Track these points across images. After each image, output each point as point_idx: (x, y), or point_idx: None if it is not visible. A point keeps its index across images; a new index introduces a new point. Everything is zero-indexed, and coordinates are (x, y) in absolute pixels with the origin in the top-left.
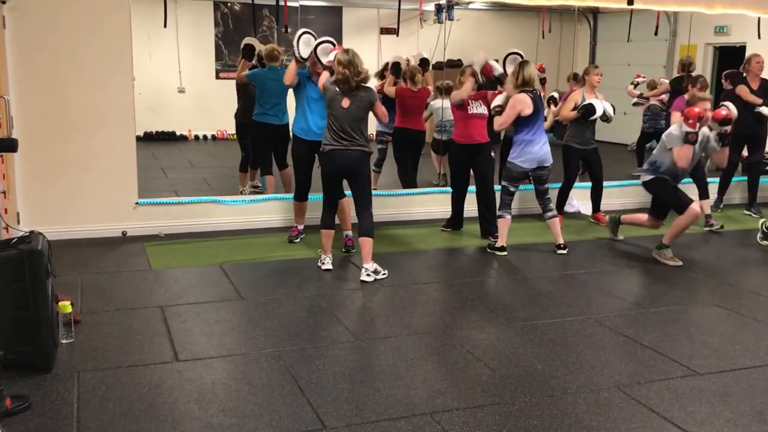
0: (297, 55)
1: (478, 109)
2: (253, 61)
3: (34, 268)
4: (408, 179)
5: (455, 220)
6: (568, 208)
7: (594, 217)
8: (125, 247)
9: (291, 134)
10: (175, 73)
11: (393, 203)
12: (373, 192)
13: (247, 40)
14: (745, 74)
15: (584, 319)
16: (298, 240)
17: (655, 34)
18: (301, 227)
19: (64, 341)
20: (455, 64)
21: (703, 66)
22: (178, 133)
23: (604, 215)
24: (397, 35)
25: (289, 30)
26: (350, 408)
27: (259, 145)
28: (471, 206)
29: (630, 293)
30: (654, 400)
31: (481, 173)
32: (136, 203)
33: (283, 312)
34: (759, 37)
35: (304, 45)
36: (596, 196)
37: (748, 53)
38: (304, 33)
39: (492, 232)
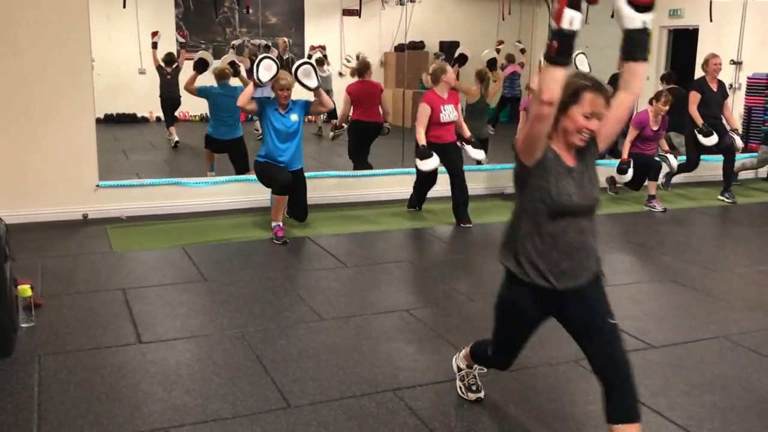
0: (256, 78)
1: (450, 115)
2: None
3: None
4: (363, 168)
5: (419, 200)
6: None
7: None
8: (86, 230)
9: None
10: (135, 54)
11: (355, 184)
12: (336, 174)
13: (201, 53)
14: (704, 75)
15: None
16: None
17: (612, 16)
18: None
19: (24, 325)
20: (417, 46)
21: (658, 49)
22: (139, 115)
23: None
24: (360, 17)
25: (251, 11)
26: (314, 386)
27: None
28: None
29: None
30: None
31: (454, 167)
32: (97, 185)
33: (247, 293)
34: (711, 20)
35: (265, 70)
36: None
37: (700, 36)
38: (265, 58)
39: (463, 220)
